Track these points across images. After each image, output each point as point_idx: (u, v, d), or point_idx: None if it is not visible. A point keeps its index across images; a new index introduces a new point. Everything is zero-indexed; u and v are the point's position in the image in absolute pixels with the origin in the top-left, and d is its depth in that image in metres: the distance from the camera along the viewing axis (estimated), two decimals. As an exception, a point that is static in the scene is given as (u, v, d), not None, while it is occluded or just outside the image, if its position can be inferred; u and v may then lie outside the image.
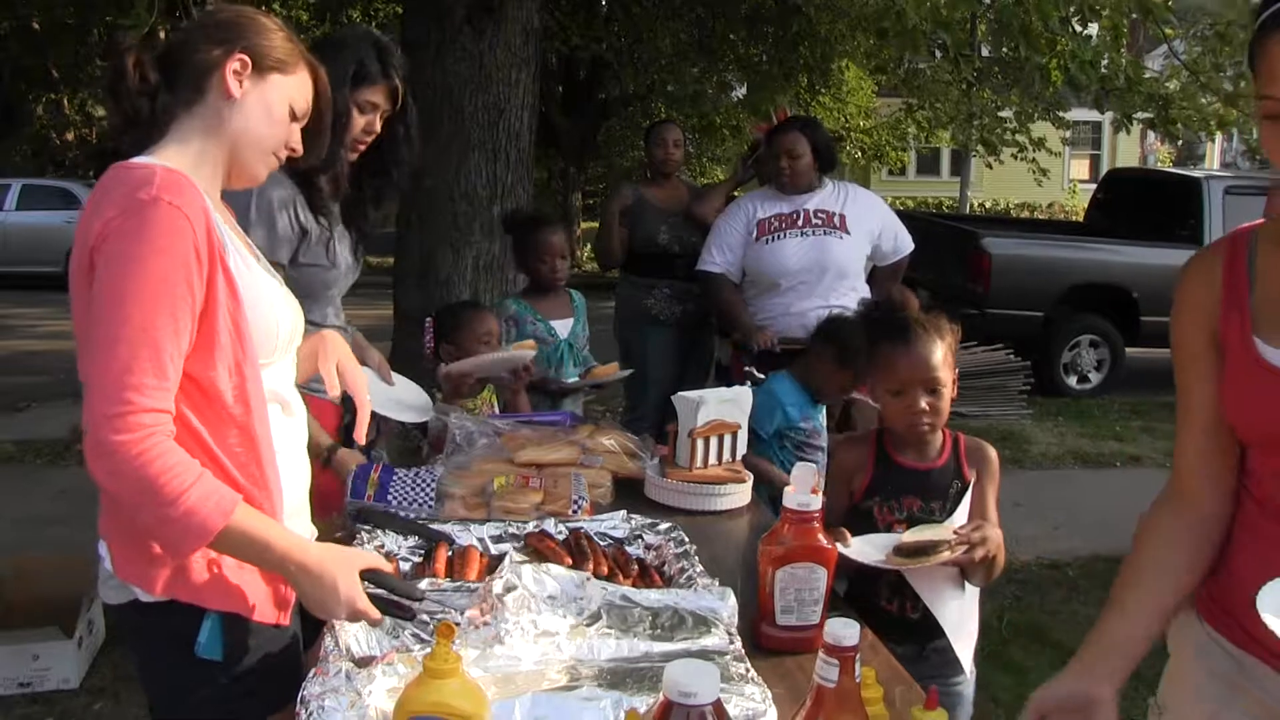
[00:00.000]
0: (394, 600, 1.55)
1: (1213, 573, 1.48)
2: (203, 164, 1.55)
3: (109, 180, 1.46)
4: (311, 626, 1.70)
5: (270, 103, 1.59)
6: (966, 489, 2.13)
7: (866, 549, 1.97)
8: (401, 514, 2.08)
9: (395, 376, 2.64)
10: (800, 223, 3.81)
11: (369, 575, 1.53)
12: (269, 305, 1.59)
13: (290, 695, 1.59)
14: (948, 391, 2.13)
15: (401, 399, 2.62)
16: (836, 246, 3.78)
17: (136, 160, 1.49)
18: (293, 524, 1.63)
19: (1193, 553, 1.45)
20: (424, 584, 1.65)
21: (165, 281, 1.40)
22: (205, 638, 1.53)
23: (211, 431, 1.48)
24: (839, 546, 1.90)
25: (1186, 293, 1.45)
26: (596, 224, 4.50)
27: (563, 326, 3.60)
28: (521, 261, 3.68)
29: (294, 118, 1.63)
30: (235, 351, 1.50)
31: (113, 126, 1.57)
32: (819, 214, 3.81)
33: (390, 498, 2.12)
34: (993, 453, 2.21)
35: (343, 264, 2.37)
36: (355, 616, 1.51)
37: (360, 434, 1.85)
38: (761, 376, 3.27)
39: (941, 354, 2.12)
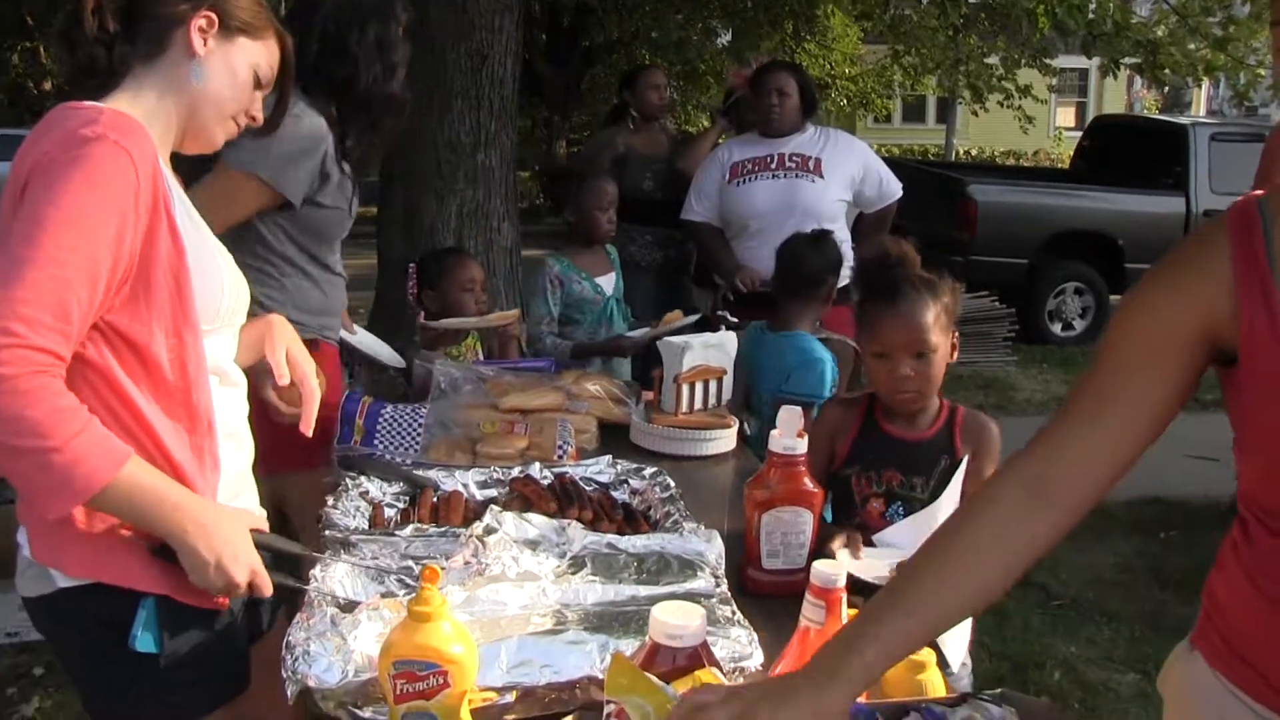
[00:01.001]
0: (284, 581, 1.49)
1: (1226, 615, 1.26)
2: (155, 120, 1.46)
3: (52, 118, 1.37)
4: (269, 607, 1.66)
5: (235, 65, 1.53)
6: (956, 467, 1.92)
7: (877, 564, 1.75)
8: (389, 457, 2.08)
9: (357, 329, 2.66)
10: (774, 165, 3.79)
11: (255, 536, 1.45)
12: (213, 269, 1.51)
13: (239, 685, 1.55)
14: (939, 358, 1.92)
15: (369, 344, 2.66)
16: (808, 189, 3.75)
17: (85, 103, 1.40)
18: (236, 504, 1.55)
19: (1038, 554, 1.24)
20: (409, 530, 1.64)
21: (91, 219, 1.28)
22: (139, 629, 1.42)
23: (146, 400, 1.39)
24: (844, 558, 1.73)
25: (1180, 278, 1.17)
26: (580, 172, 4.49)
27: (607, 283, 3.49)
28: (570, 213, 3.50)
29: (258, 85, 1.58)
30: (175, 313, 1.41)
31: (65, 76, 1.48)
32: (794, 157, 3.79)
33: (377, 441, 2.12)
34: (994, 430, 1.98)
35: (353, 210, 2.33)
36: (251, 584, 1.42)
37: (306, 426, 1.71)
38: (734, 320, 3.21)
39: (933, 315, 1.91)
